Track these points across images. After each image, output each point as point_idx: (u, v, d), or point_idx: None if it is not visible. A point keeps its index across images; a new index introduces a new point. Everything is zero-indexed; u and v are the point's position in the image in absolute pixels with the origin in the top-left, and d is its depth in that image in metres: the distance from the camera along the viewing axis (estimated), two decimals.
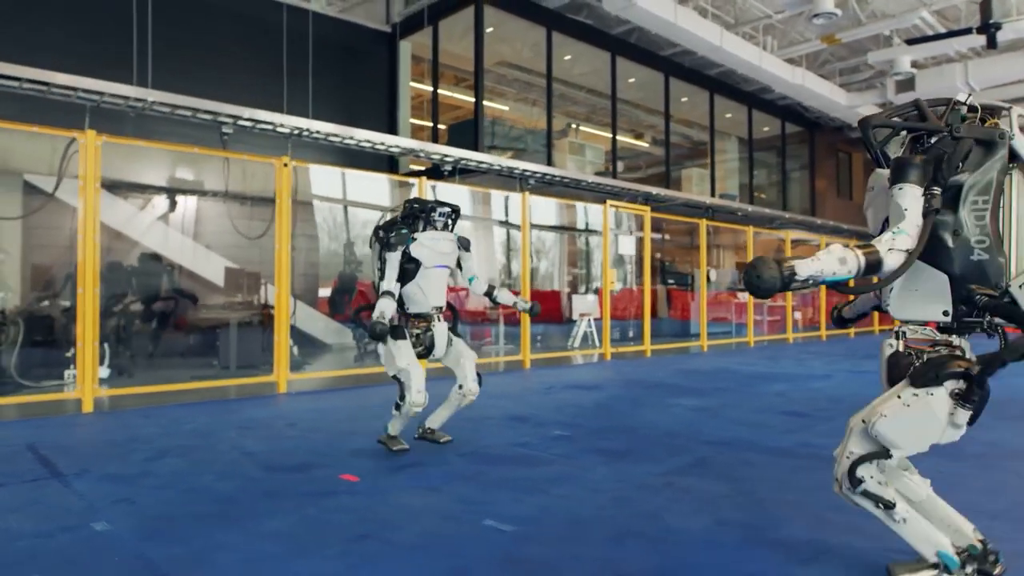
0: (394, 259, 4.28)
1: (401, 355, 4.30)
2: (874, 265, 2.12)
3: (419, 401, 4.24)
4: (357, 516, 3.29)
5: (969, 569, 2.36)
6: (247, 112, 8.82)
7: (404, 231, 4.28)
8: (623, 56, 13.97)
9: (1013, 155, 2.22)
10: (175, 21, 10.72)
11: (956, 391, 2.21)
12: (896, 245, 2.12)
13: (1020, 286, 2.19)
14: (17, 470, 4.11)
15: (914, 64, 13.88)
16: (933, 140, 2.27)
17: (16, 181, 9.56)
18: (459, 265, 4.69)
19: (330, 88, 12.34)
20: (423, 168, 12.47)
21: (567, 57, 13.88)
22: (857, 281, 2.23)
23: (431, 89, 12.89)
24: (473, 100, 11.85)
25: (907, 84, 14.00)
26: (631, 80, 14.99)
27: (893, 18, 12.00)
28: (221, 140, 9.01)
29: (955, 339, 2.36)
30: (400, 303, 4.40)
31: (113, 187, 10.22)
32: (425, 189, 8.51)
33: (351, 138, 9.87)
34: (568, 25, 12.98)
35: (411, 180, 8.84)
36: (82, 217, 6.15)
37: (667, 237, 15.78)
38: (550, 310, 13.86)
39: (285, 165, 7.19)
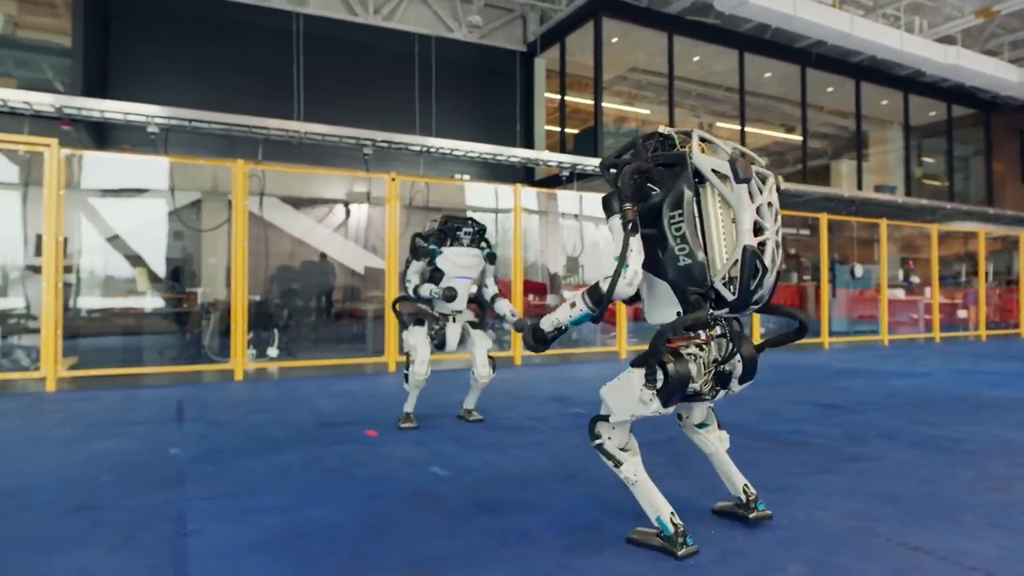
0: (416, 266, 5.18)
1: (413, 335, 5.19)
2: (599, 298, 2.58)
3: (421, 371, 5.09)
4: (345, 458, 4.24)
5: (681, 540, 2.60)
6: (380, 135, 10.29)
7: (432, 247, 5.07)
8: (752, 52, 13.71)
9: (699, 173, 2.52)
10: (339, 62, 12.58)
11: (646, 373, 2.58)
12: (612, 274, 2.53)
13: (722, 282, 2.53)
14: (159, 415, 5.66)
15: None
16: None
17: (224, 200, 12.01)
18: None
19: (472, 107, 13.65)
20: (556, 175, 13.30)
21: (696, 58, 13.95)
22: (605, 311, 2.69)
23: (560, 99, 13.69)
24: (595, 106, 12.44)
25: None
26: (767, 75, 14.61)
27: None
28: (363, 160, 10.59)
29: (701, 333, 2.69)
30: (430, 303, 5.25)
31: (297, 204, 12.44)
32: (520, 193, 9.42)
33: (472, 151, 11.02)
34: (690, 28, 13.08)
35: (508, 187, 9.73)
36: (233, 227, 7.86)
37: (801, 232, 15.06)
38: None
39: (392, 179, 8.48)
